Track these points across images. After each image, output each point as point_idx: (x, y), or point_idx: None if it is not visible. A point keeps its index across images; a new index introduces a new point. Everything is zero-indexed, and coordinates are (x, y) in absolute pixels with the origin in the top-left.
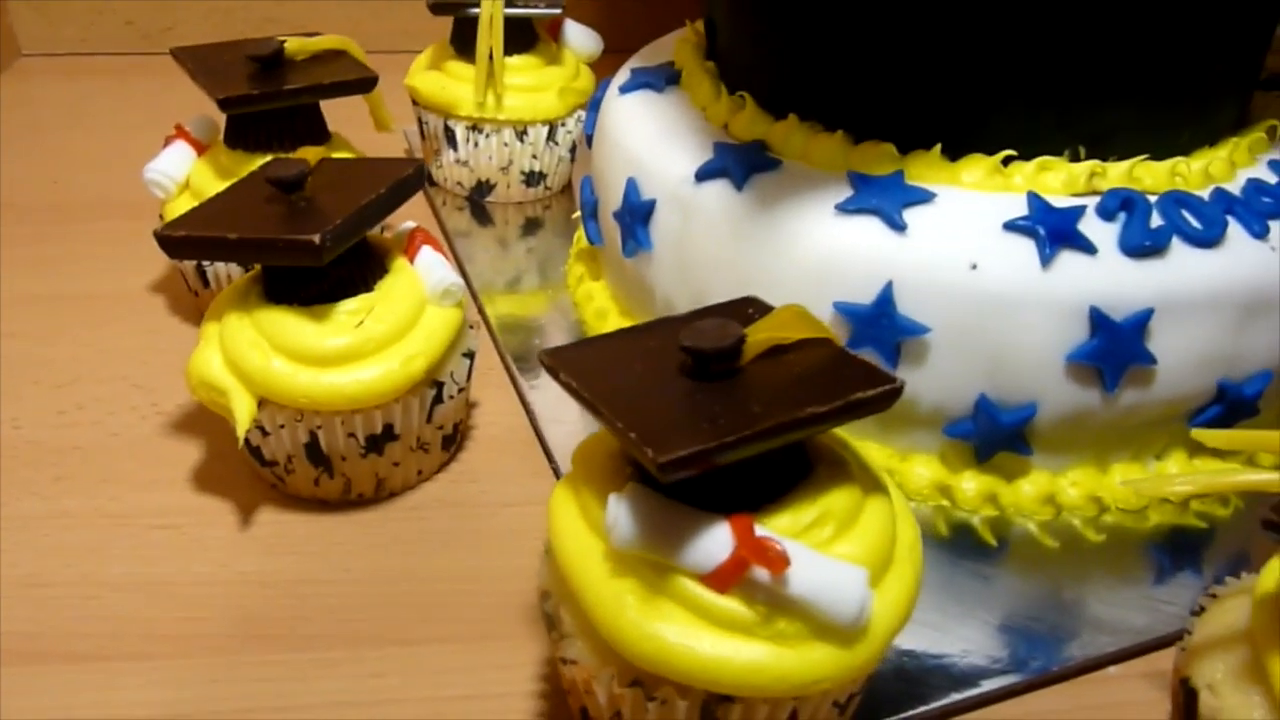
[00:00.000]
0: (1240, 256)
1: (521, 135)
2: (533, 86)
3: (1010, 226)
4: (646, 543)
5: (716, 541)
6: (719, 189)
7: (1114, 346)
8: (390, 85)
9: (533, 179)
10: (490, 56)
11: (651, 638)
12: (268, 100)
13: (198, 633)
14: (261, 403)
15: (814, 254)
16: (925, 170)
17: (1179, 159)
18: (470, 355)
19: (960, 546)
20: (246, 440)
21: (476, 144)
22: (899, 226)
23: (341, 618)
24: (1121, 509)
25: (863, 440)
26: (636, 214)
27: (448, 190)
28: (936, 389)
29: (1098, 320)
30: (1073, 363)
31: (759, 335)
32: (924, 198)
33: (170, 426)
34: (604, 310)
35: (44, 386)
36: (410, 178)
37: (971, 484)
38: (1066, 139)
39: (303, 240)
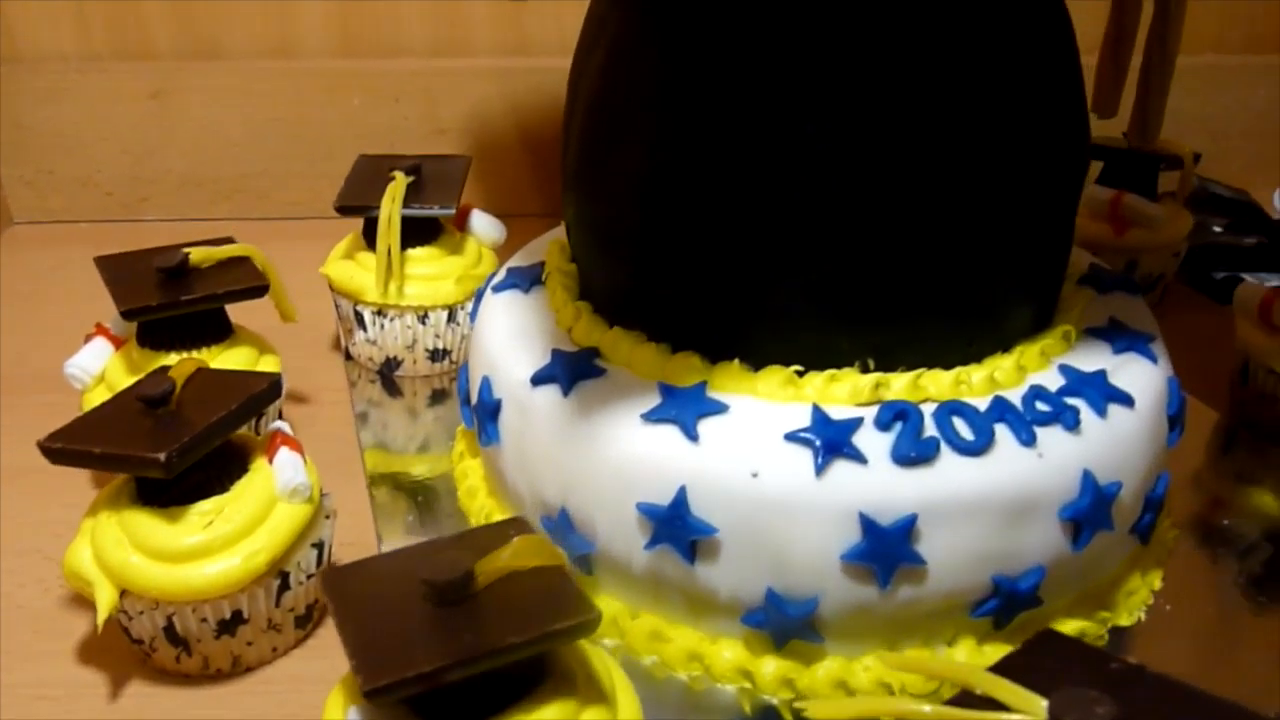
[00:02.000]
0: (1007, 464)
1: (423, 318)
2: (433, 276)
3: (790, 437)
4: None
5: None
6: (549, 394)
7: (882, 548)
8: None
9: (437, 355)
10: (389, 252)
11: None
12: (166, 309)
13: None
14: (124, 590)
15: (621, 458)
16: (727, 381)
17: (964, 368)
18: (320, 545)
19: None
20: (117, 620)
21: (383, 326)
22: (692, 437)
23: None
24: (912, 693)
25: (677, 624)
26: (487, 410)
27: (361, 364)
28: (729, 583)
29: (866, 525)
30: (847, 562)
31: (492, 565)
32: (718, 409)
33: (69, 600)
34: (474, 489)
35: None
36: (264, 392)
37: (771, 667)
38: (857, 352)
39: (150, 458)
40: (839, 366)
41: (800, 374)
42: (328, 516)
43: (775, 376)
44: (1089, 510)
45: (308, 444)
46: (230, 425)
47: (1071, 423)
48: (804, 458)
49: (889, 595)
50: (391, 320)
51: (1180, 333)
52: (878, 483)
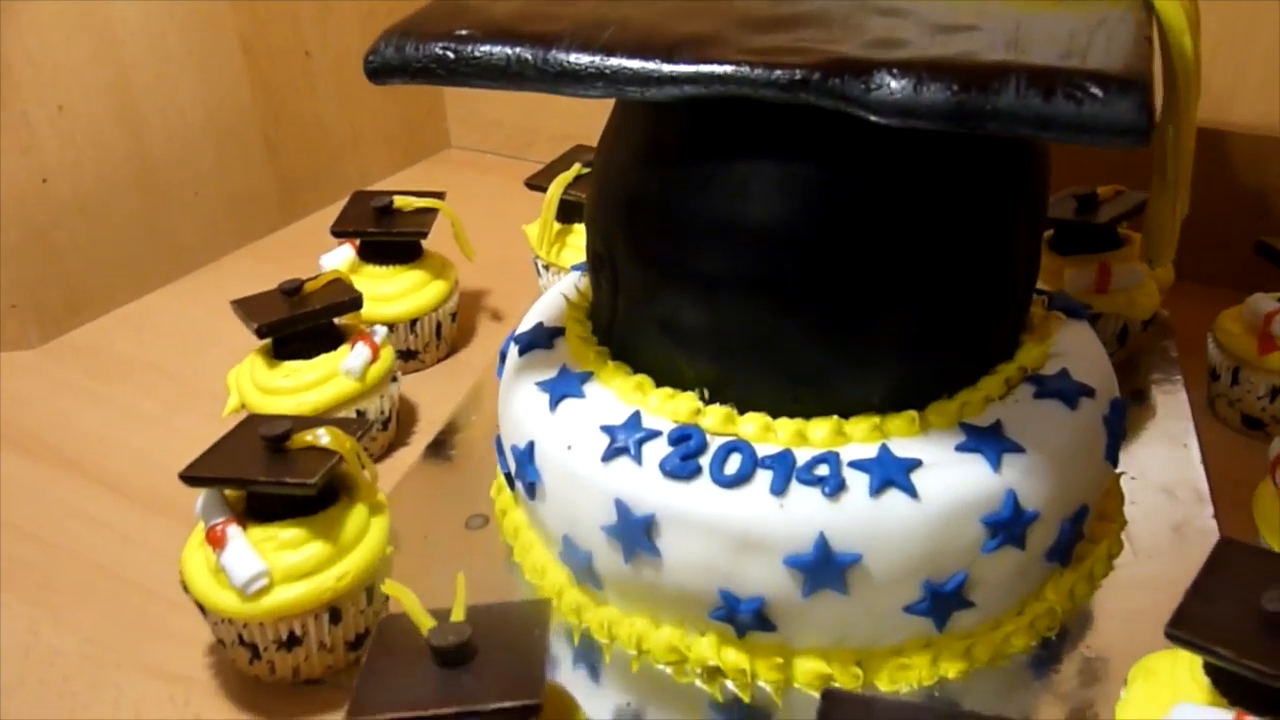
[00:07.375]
0: (744, 502)
1: None
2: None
3: (603, 428)
4: None
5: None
6: (514, 352)
7: (628, 532)
8: None
9: None
10: (549, 222)
11: None
12: (358, 235)
13: None
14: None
15: (513, 408)
16: (606, 376)
17: (787, 421)
18: (363, 413)
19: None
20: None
21: (549, 279)
22: (551, 408)
23: None
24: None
25: (541, 545)
26: (501, 355)
27: None
28: (549, 523)
29: (620, 510)
30: (605, 534)
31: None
32: (578, 394)
33: None
34: None
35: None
36: (343, 303)
37: (572, 597)
38: (697, 380)
39: (250, 324)
40: (685, 390)
41: (657, 385)
42: (382, 396)
43: (630, 381)
44: (814, 566)
45: (474, 355)
46: (311, 319)
47: (830, 489)
48: (602, 445)
49: (635, 573)
50: (554, 275)
51: None
52: (638, 480)
